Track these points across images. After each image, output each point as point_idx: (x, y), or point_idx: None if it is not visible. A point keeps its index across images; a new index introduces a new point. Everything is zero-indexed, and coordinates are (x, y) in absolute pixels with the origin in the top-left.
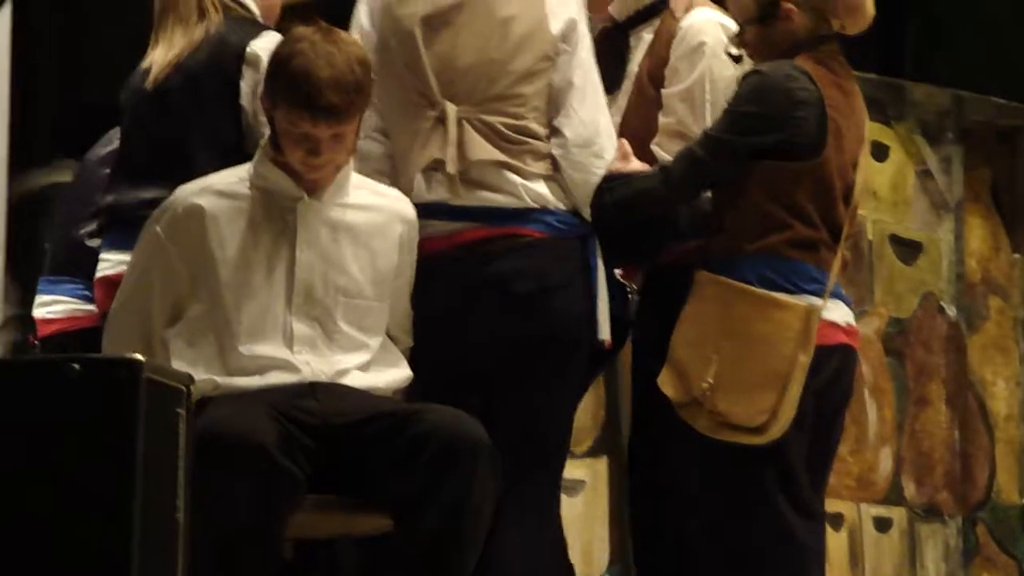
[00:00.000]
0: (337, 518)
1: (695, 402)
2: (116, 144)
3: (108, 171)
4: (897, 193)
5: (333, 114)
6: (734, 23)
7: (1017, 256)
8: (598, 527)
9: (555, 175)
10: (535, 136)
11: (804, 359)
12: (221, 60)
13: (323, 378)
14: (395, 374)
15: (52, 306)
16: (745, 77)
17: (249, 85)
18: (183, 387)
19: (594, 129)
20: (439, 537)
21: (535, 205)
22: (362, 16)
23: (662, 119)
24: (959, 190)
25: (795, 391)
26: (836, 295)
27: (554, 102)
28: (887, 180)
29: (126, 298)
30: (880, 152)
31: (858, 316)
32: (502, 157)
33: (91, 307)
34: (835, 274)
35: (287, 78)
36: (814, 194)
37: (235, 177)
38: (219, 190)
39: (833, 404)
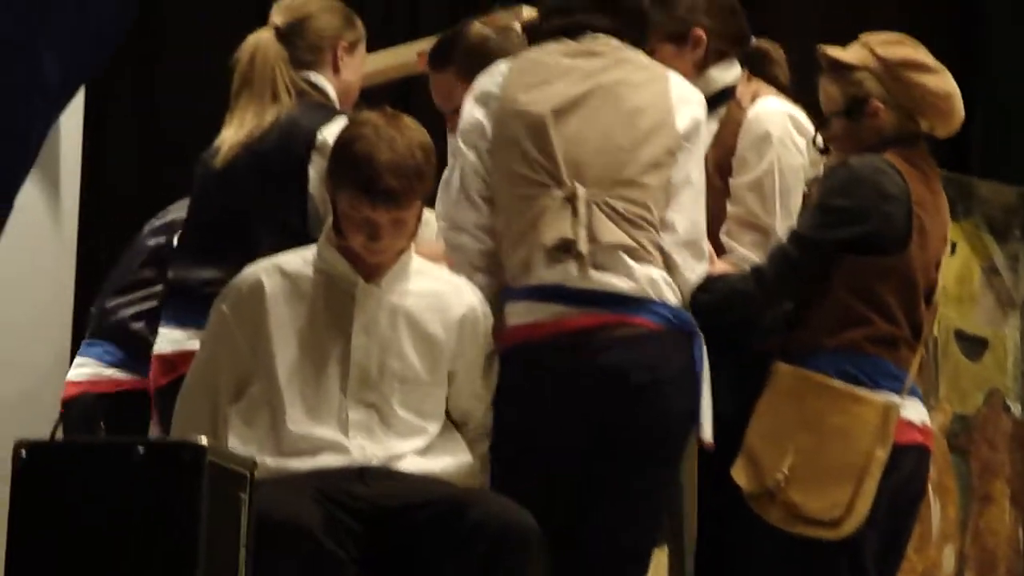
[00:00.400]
0: None
1: (768, 493)
2: (171, 216)
3: (156, 242)
4: (963, 289)
5: (392, 199)
6: (801, 113)
7: None
8: None
9: (666, 268)
10: (653, 225)
11: (881, 455)
12: (290, 143)
13: (375, 462)
14: (453, 460)
15: (80, 368)
16: (834, 170)
17: (317, 171)
18: (246, 472)
19: (701, 230)
20: None
21: (652, 295)
22: (474, 109)
23: (731, 208)
24: None
25: (871, 486)
26: (913, 393)
27: (669, 196)
28: (953, 275)
29: (196, 375)
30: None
31: None
32: (628, 241)
33: (112, 372)
34: (914, 372)
35: (348, 162)
36: (897, 290)
37: (300, 259)
38: (284, 270)
39: (906, 504)
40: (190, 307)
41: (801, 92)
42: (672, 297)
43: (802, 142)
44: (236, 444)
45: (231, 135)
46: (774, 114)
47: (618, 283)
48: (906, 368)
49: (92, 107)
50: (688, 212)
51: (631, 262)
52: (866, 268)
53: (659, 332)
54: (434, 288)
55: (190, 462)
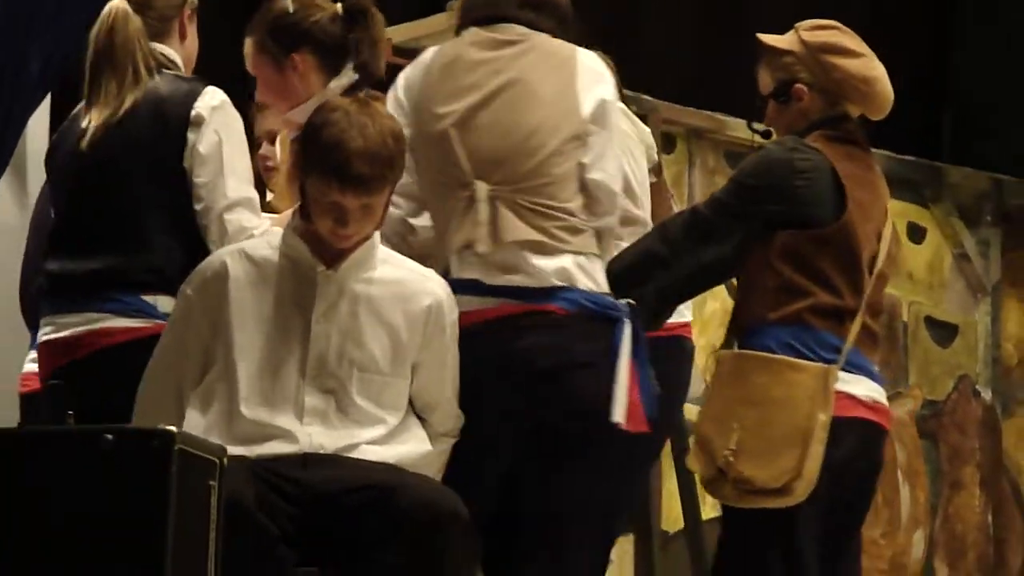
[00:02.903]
0: None
1: (719, 473)
2: None
3: None
4: (933, 275)
5: (362, 185)
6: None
7: None
8: None
9: (592, 254)
10: (569, 212)
11: (824, 418)
12: (165, 121)
13: (321, 450)
14: (410, 448)
15: (32, 363)
16: (751, 154)
17: (194, 147)
18: (216, 459)
19: (625, 205)
20: None
21: (561, 283)
22: (400, 95)
23: None
24: (996, 273)
25: (817, 450)
26: (862, 370)
27: (585, 180)
28: (923, 262)
29: (160, 359)
30: (917, 234)
31: (892, 398)
32: (535, 236)
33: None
34: (851, 341)
35: (319, 147)
36: (836, 262)
37: (267, 244)
38: (249, 255)
39: (854, 481)
40: (76, 297)
41: None
42: (588, 283)
43: (636, 133)
44: (193, 428)
45: (96, 115)
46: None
47: (522, 280)
48: (847, 339)
49: (58, 105)
50: (608, 193)
51: (536, 258)
52: (803, 240)
53: (569, 318)
54: (398, 277)
55: (159, 450)
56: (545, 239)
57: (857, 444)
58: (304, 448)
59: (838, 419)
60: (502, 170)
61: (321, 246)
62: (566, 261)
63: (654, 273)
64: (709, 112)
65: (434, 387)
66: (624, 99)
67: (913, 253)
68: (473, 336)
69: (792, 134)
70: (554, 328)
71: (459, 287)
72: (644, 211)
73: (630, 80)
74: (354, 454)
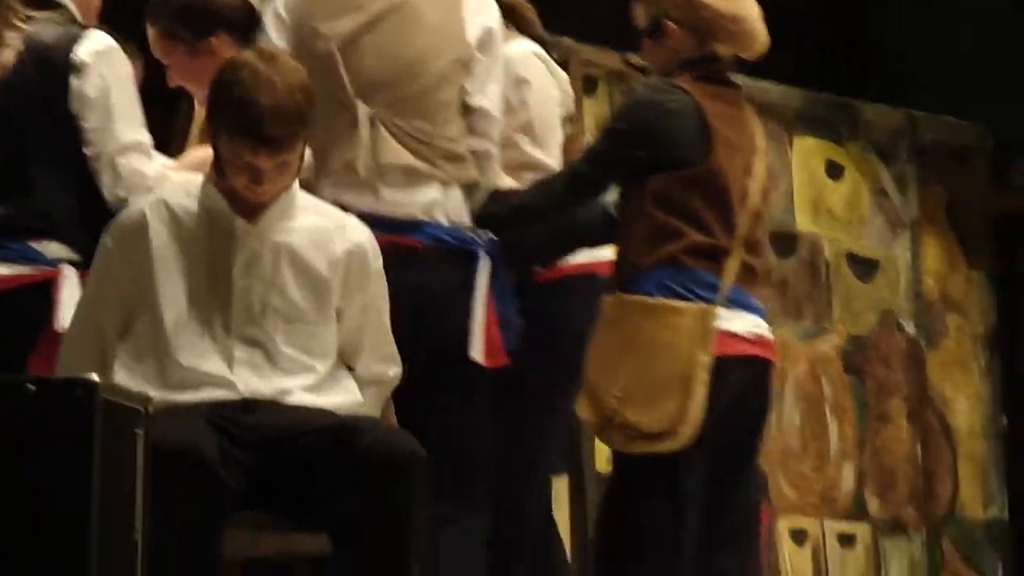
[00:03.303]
0: (275, 538)
1: (607, 419)
2: None
3: None
4: (853, 212)
5: (274, 145)
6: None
7: (974, 273)
8: None
9: (468, 183)
10: (449, 138)
11: (704, 359)
12: (50, 74)
13: (259, 396)
14: (342, 398)
15: None
16: (625, 96)
17: (79, 93)
18: (140, 408)
19: (507, 134)
20: (378, 557)
21: (424, 218)
22: (271, 28)
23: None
24: (914, 208)
25: (700, 392)
26: (743, 306)
27: (469, 106)
28: (842, 199)
29: (82, 311)
30: (834, 171)
31: (816, 334)
32: (413, 161)
33: None
34: (729, 278)
35: (228, 107)
36: (707, 201)
37: (185, 194)
38: (168, 205)
39: (742, 420)
40: None
41: None
42: (452, 216)
43: (551, 79)
44: (123, 379)
45: None
46: (525, 55)
47: (387, 210)
48: (725, 277)
49: None
50: (490, 118)
51: (405, 189)
52: (673, 183)
53: (427, 251)
54: (318, 224)
55: (82, 399)
56: (422, 164)
57: (743, 382)
58: (243, 393)
59: (721, 358)
60: (385, 93)
61: (239, 199)
62: (434, 192)
63: (529, 225)
64: (629, 53)
65: (356, 333)
66: (544, 43)
67: (832, 190)
68: None
69: (663, 72)
70: (413, 263)
71: None
72: (551, 158)
73: (550, 24)
74: (289, 399)
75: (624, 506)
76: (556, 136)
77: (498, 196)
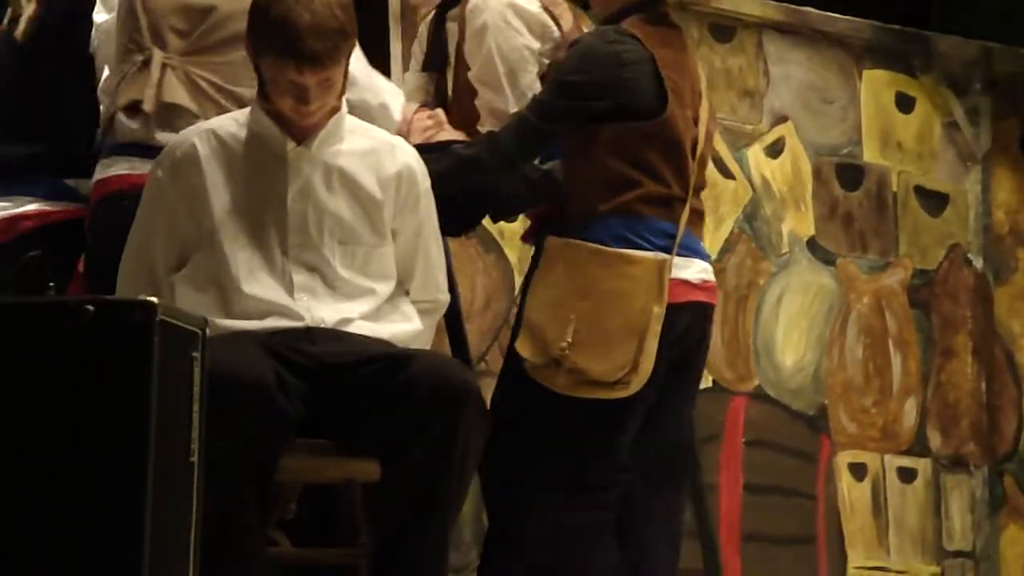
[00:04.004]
0: (330, 463)
1: (554, 362)
2: None
3: None
4: (923, 145)
5: (318, 61)
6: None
7: None
8: None
9: None
10: (238, 98)
11: (658, 311)
12: (75, 14)
13: (324, 325)
14: (402, 327)
15: None
16: (570, 46)
17: (97, 24)
18: (198, 330)
19: None
20: (426, 478)
21: None
22: None
23: (476, 102)
24: (986, 141)
25: (652, 344)
26: (693, 251)
27: None
28: (912, 132)
29: (133, 244)
30: (906, 104)
31: (883, 267)
32: (191, 105)
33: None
34: (683, 226)
35: (268, 27)
36: (662, 151)
37: (234, 122)
38: (217, 134)
39: (682, 355)
40: (10, 184)
41: None
42: None
43: (519, 23)
44: (186, 307)
45: (29, 7)
46: (488, 2)
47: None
48: (678, 225)
49: None
50: None
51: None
52: (629, 133)
53: None
54: (368, 146)
55: (140, 321)
56: (200, 114)
57: (687, 326)
58: (308, 322)
59: (672, 305)
60: (179, 42)
61: (289, 123)
62: None
63: (474, 179)
64: None
65: (410, 256)
66: None
67: (902, 123)
68: (126, 199)
69: (609, 12)
70: None
71: (120, 149)
72: (506, 102)
73: None
74: (350, 328)
75: (564, 442)
76: (521, 80)
77: (446, 149)
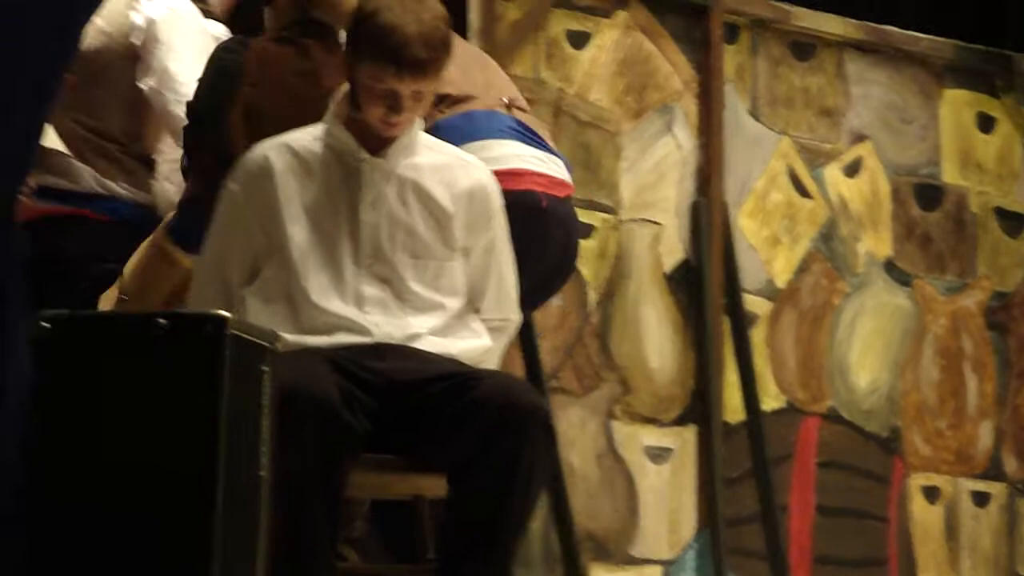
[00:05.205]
0: (397, 479)
1: None
2: None
3: None
4: (1003, 165)
5: (420, 69)
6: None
7: None
8: (685, 496)
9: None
10: (114, 140)
11: None
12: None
13: (393, 341)
14: (472, 343)
15: None
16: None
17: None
18: (268, 344)
19: None
20: (491, 498)
21: (100, 190)
22: None
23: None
24: None
25: None
26: None
27: None
28: (993, 152)
29: (207, 257)
30: (986, 124)
31: (960, 289)
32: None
33: None
34: None
35: (373, 33)
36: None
37: (308, 135)
38: (291, 147)
39: None
40: None
41: None
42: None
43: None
44: (255, 320)
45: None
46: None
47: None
48: None
49: None
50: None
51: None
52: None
53: (106, 224)
54: (441, 161)
55: (212, 334)
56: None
57: None
58: (376, 338)
59: None
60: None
61: (365, 135)
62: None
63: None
64: (774, 2)
65: (482, 274)
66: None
67: (983, 143)
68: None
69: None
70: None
71: None
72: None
73: None
74: (418, 344)
75: None
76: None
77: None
